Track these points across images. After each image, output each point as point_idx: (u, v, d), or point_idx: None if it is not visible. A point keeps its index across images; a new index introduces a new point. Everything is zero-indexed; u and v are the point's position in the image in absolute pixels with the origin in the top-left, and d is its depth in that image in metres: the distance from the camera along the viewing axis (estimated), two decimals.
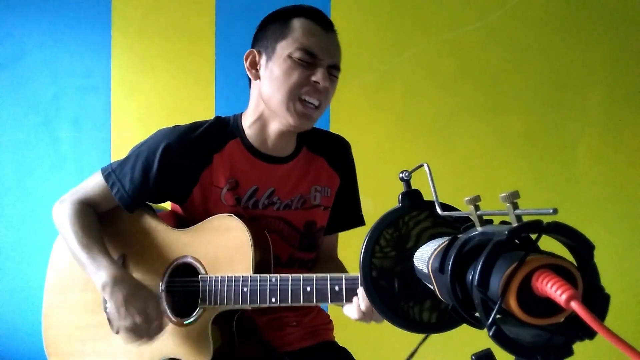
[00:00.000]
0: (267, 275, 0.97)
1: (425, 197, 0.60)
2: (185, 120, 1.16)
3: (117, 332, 0.99)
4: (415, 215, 0.59)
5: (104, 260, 1.00)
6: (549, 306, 0.34)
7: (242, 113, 1.13)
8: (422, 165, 0.59)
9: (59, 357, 1.14)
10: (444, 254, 0.43)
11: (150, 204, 1.17)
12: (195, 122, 1.09)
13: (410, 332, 0.57)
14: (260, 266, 1.00)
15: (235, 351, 1.05)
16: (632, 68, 1.92)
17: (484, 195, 0.46)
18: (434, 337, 0.58)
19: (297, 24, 1.01)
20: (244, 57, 1.07)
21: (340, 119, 1.96)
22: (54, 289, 1.18)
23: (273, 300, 0.95)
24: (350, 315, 0.89)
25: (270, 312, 1.12)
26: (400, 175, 0.62)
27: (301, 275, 0.94)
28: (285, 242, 1.11)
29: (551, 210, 0.35)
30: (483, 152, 1.95)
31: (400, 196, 0.60)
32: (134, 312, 0.95)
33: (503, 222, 0.43)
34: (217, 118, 1.12)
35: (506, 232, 0.36)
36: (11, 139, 2.05)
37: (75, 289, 1.15)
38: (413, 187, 0.60)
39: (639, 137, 1.92)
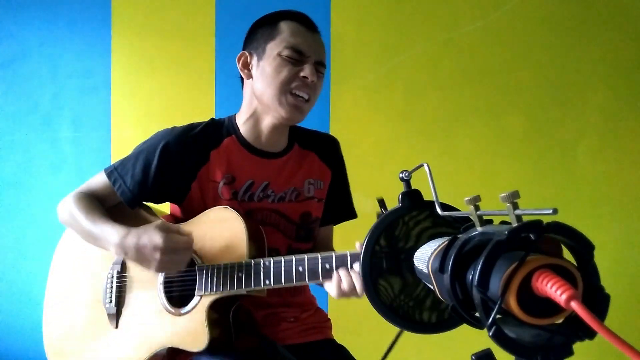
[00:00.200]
0: (261, 259, 1.01)
1: (425, 197, 0.60)
2: (185, 120, 1.18)
3: (157, 271, 1.01)
4: (415, 215, 0.59)
5: (110, 229, 1.04)
6: (549, 306, 0.35)
7: (235, 114, 1.19)
8: (422, 165, 0.59)
9: (60, 356, 1.15)
10: (444, 254, 0.43)
11: (149, 206, 1.19)
12: (191, 123, 1.15)
13: (410, 332, 0.57)
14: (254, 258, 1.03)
15: (232, 343, 1.07)
16: (632, 68, 1.92)
17: (484, 195, 0.46)
18: (434, 337, 0.58)
19: (284, 26, 1.09)
20: (237, 58, 1.14)
21: (340, 119, 1.96)
22: (55, 289, 1.20)
23: (267, 282, 0.99)
24: (331, 292, 0.95)
25: (267, 306, 1.14)
26: (400, 175, 0.62)
27: (293, 257, 0.99)
28: (282, 234, 1.15)
29: (551, 210, 0.35)
30: (483, 152, 1.95)
31: (400, 196, 0.60)
32: (159, 248, 0.96)
33: (503, 222, 0.43)
34: (212, 119, 1.18)
35: (506, 232, 0.36)
36: (11, 139, 2.05)
37: (76, 286, 1.16)
38: (413, 187, 0.61)
39: (639, 137, 1.92)
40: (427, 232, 0.59)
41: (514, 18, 1.93)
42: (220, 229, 1.06)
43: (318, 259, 0.97)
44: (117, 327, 1.11)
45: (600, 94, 1.93)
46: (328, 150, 1.24)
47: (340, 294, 0.93)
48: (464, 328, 0.48)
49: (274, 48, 1.07)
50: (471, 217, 0.45)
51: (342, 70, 1.97)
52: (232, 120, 1.17)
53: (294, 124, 1.14)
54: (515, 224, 0.37)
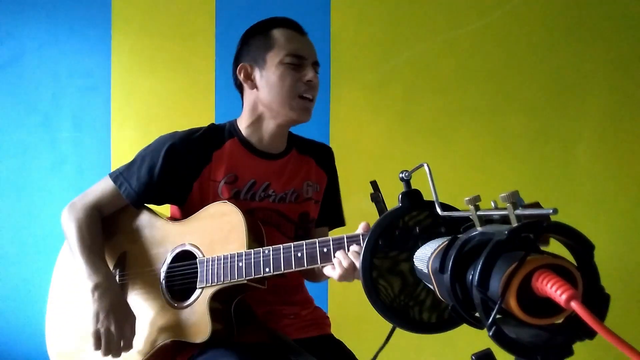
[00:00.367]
0: (260, 249, 1.03)
1: (425, 197, 0.60)
2: (185, 120, 1.20)
3: (92, 335, 1.05)
4: (415, 215, 0.59)
5: (102, 267, 1.10)
6: (549, 306, 0.35)
7: (236, 119, 1.23)
8: (422, 165, 0.59)
9: (62, 356, 1.16)
10: (444, 254, 0.43)
11: (151, 208, 1.21)
12: (192, 128, 1.20)
13: (411, 332, 0.57)
14: None
15: (234, 337, 1.08)
16: (632, 68, 1.92)
17: (484, 195, 0.46)
18: (434, 337, 0.58)
19: (277, 34, 1.15)
20: (237, 71, 1.19)
21: (340, 119, 1.96)
22: (58, 288, 1.21)
23: (267, 270, 1.01)
24: (332, 274, 0.97)
25: (267, 303, 1.16)
26: (400, 175, 0.62)
27: (291, 244, 1.02)
28: (282, 234, 1.18)
29: (551, 210, 0.35)
30: (483, 152, 1.95)
31: (400, 196, 0.60)
32: (112, 322, 1.04)
33: (503, 222, 0.43)
34: (213, 124, 1.23)
35: (506, 232, 0.36)
36: (11, 139, 2.05)
37: (78, 289, 1.17)
38: (413, 187, 0.60)
39: (639, 137, 1.92)
40: (427, 232, 0.59)
41: (514, 18, 1.93)
42: (219, 222, 1.08)
43: (316, 243, 1.00)
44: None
45: (600, 94, 1.93)
46: (324, 157, 1.30)
47: (341, 275, 0.96)
48: (464, 328, 0.48)
49: (274, 57, 1.13)
50: (471, 217, 0.45)
51: (342, 71, 1.97)
52: (233, 124, 1.22)
53: (302, 123, 1.19)
54: (515, 224, 0.37)
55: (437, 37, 1.95)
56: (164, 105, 2.02)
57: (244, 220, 1.05)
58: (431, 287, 0.48)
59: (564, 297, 0.32)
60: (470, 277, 0.39)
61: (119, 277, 1.15)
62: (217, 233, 1.08)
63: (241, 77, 1.18)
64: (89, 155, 2.02)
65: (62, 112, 2.04)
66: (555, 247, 0.42)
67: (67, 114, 2.04)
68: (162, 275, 1.11)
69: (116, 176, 1.17)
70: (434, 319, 0.57)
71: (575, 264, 0.37)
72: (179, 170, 1.13)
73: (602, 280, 0.37)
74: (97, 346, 1.04)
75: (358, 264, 0.94)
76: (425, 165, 0.59)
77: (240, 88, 1.22)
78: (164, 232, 1.15)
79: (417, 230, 0.59)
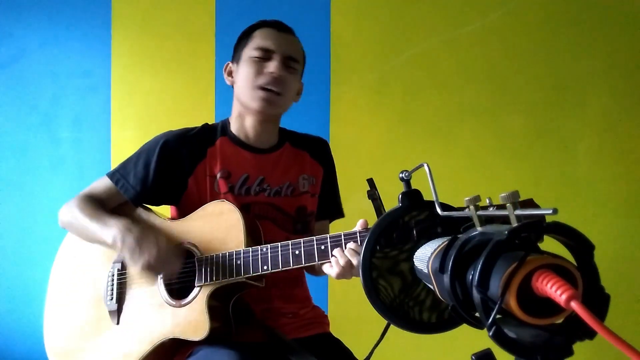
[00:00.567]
0: (258, 247, 1.04)
1: (425, 197, 0.60)
2: (185, 120, 1.21)
3: (139, 271, 1.06)
4: (415, 215, 0.59)
5: (111, 220, 1.09)
6: (549, 306, 0.35)
7: (228, 118, 1.26)
8: (422, 165, 0.59)
9: (61, 356, 1.16)
10: (444, 254, 0.43)
11: (149, 207, 1.21)
12: (186, 127, 1.22)
13: (411, 332, 0.57)
14: None
15: (233, 335, 1.09)
16: (632, 68, 1.92)
17: (484, 195, 0.46)
18: (434, 337, 0.58)
19: (257, 33, 1.19)
20: (223, 69, 1.25)
21: (340, 119, 1.96)
22: (56, 288, 1.21)
23: (265, 267, 1.02)
24: (330, 272, 0.99)
25: (266, 301, 1.16)
26: (400, 175, 0.62)
27: (289, 242, 1.03)
28: (279, 228, 1.19)
29: (551, 210, 0.35)
30: (483, 152, 1.95)
31: (400, 196, 0.60)
32: (147, 249, 1.03)
33: (503, 222, 0.43)
34: (206, 124, 1.25)
35: (506, 232, 0.36)
36: (11, 139, 2.05)
37: (77, 286, 1.18)
38: (413, 187, 0.60)
39: (639, 137, 1.92)
40: (427, 232, 0.59)
41: (514, 18, 1.93)
42: (217, 221, 1.09)
43: (313, 241, 1.01)
44: (118, 323, 1.13)
45: (600, 94, 1.93)
46: (319, 150, 1.30)
47: (339, 271, 0.97)
48: (464, 328, 0.48)
49: (247, 53, 1.17)
50: (471, 217, 0.45)
51: (342, 71, 1.97)
52: (224, 122, 1.25)
53: (271, 117, 1.20)
54: (515, 224, 0.37)
55: (437, 37, 1.95)
56: (164, 105, 2.02)
57: (242, 219, 1.06)
58: (431, 287, 0.48)
59: (564, 297, 0.32)
60: (470, 277, 0.39)
61: (119, 276, 1.15)
62: (215, 232, 1.09)
63: (225, 74, 1.24)
64: (89, 155, 2.02)
65: (62, 112, 2.04)
66: (555, 247, 0.42)
67: (67, 114, 2.04)
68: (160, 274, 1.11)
69: (112, 173, 1.18)
70: (434, 319, 0.57)
71: (575, 264, 0.37)
72: (174, 165, 1.15)
73: (602, 280, 0.37)
74: (153, 274, 1.07)
75: (355, 261, 0.95)
76: (425, 165, 0.59)
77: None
78: (162, 231, 1.15)
79: (417, 230, 0.59)
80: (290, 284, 1.21)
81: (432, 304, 0.57)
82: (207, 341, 1.03)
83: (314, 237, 1.01)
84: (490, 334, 0.36)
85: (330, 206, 1.32)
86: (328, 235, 1.00)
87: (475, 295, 0.37)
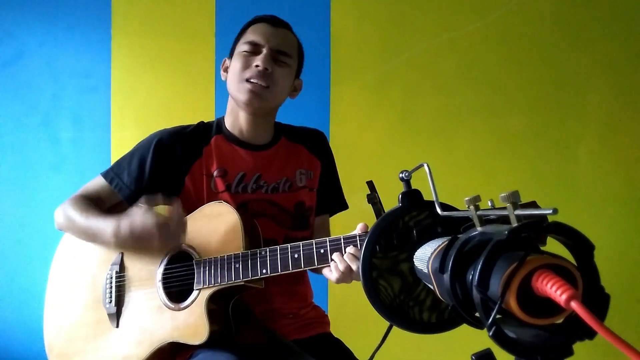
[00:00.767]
0: (257, 250, 1.03)
1: (425, 197, 0.60)
2: (185, 120, 1.21)
3: (159, 247, 1.05)
4: (415, 215, 0.59)
5: (109, 218, 1.08)
6: (549, 306, 0.35)
7: (223, 116, 1.25)
8: (422, 165, 0.59)
9: (62, 358, 1.15)
10: (444, 254, 0.43)
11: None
12: (182, 125, 1.22)
13: (411, 332, 0.57)
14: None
15: (233, 337, 1.08)
16: (632, 68, 1.92)
17: (484, 195, 0.46)
18: (434, 337, 0.58)
19: (250, 28, 1.19)
20: (221, 65, 1.25)
21: (340, 119, 1.96)
22: (55, 291, 1.20)
23: (264, 271, 1.01)
24: (330, 277, 0.99)
25: (266, 301, 1.15)
26: (400, 175, 0.62)
27: (288, 245, 1.02)
28: (278, 224, 1.18)
29: (551, 210, 0.35)
30: (483, 152, 1.95)
31: (400, 196, 0.60)
32: (148, 224, 1.01)
33: (503, 222, 0.43)
34: (202, 122, 1.25)
35: (506, 232, 0.36)
36: (11, 139, 2.05)
37: (75, 288, 1.17)
38: (413, 187, 0.60)
39: (639, 137, 1.92)
40: (427, 232, 0.59)
41: (514, 18, 1.93)
42: (215, 223, 1.08)
43: (312, 244, 1.00)
44: (117, 326, 1.11)
45: (600, 94, 1.93)
46: (316, 142, 1.29)
47: (338, 277, 0.96)
48: (464, 328, 0.48)
49: (238, 47, 1.18)
50: (471, 217, 0.45)
51: (342, 70, 1.96)
52: (219, 120, 1.24)
53: (259, 110, 1.18)
54: (515, 224, 0.37)
55: (437, 37, 1.95)
56: (164, 105, 2.02)
57: (240, 221, 1.05)
58: (431, 287, 0.48)
59: (564, 297, 0.32)
60: (470, 277, 0.39)
61: (117, 279, 1.14)
62: (213, 234, 1.08)
63: (222, 70, 1.24)
64: (89, 155, 2.02)
65: (62, 112, 2.04)
66: (555, 247, 0.42)
67: (67, 114, 2.04)
68: (159, 276, 1.10)
69: (107, 172, 1.18)
70: (434, 319, 0.57)
71: (575, 264, 0.37)
72: (169, 163, 1.15)
73: (602, 280, 0.37)
74: (171, 241, 1.05)
75: (355, 266, 0.94)
76: (425, 165, 0.59)
77: None
78: None
79: (417, 230, 0.59)
80: (292, 281, 1.20)
81: (432, 304, 0.57)
82: (207, 344, 1.02)
83: (313, 241, 1.01)
84: (490, 334, 0.36)
85: (330, 201, 1.31)
86: (327, 239, 0.99)
87: (475, 295, 0.37)
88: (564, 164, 1.93)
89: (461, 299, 0.41)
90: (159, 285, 1.10)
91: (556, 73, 1.93)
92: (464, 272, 0.40)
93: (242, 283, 1.03)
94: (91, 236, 1.11)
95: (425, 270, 0.49)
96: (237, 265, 1.03)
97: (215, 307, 1.06)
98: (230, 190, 1.15)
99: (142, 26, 2.02)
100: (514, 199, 0.38)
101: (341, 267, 0.95)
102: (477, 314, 0.40)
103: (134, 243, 1.04)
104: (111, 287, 1.13)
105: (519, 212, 0.38)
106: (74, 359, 1.13)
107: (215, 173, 1.16)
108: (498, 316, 0.35)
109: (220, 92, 1.98)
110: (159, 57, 2.02)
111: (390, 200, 0.62)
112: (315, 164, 1.26)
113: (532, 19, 1.94)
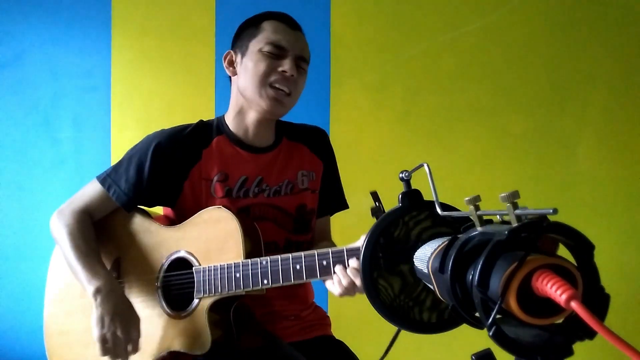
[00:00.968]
0: (258, 259, 1.00)
1: (425, 197, 0.60)
2: (184, 120, 1.19)
3: (96, 341, 1.00)
4: (415, 215, 0.59)
5: (101, 270, 1.05)
6: (549, 306, 0.34)
7: (224, 114, 1.21)
8: (422, 165, 0.59)
9: None
10: (444, 254, 0.43)
11: (143, 208, 1.18)
12: (181, 125, 1.17)
13: (411, 332, 0.57)
14: (251, 257, 1.02)
15: (235, 343, 1.06)
16: (632, 68, 1.92)
17: (484, 195, 0.46)
18: (434, 337, 0.58)
19: (267, 25, 1.13)
20: (223, 57, 1.17)
21: (340, 119, 1.96)
22: (54, 296, 1.18)
23: (265, 282, 0.99)
24: (333, 291, 0.96)
25: (266, 304, 1.13)
26: (400, 175, 0.62)
27: (289, 255, 0.98)
28: (280, 228, 1.15)
29: (551, 210, 0.35)
30: (483, 153, 1.95)
31: (400, 196, 0.60)
32: (117, 325, 0.99)
33: (503, 222, 0.43)
34: (201, 121, 1.20)
35: (506, 232, 0.36)
36: (11, 139, 2.05)
37: (75, 294, 1.14)
38: (413, 187, 0.60)
39: (639, 137, 1.92)
40: (427, 232, 0.59)
41: (514, 18, 1.93)
42: (214, 229, 1.05)
43: (315, 256, 0.97)
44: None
45: (600, 94, 1.93)
46: (317, 141, 1.26)
47: (342, 292, 0.94)
48: (464, 328, 0.48)
49: (256, 45, 1.11)
50: (471, 217, 0.45)
51: (342, 70, 1.97)
52: (220, 120, 1.19)
53: (277, 117, 1.16)
54: (515, 224, 0.37)
55: (437, 37, 1.95)
56: (164, 105, 2.02)
57: (239, 228, 1.02)
58: (431, 287, 0.48)
59: (564, 297, 0.32)
60: (470, 277, 0.39)
61: None
62: (212, 241, 1.05)
63: (225, 63, 1.17)
64: (89, 155, 2.02)
65: (62, 112, 2.04)
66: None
67: (67, 114, 2.04)
68: (159, 283, 1.08)
69: (104, 179, 1.13)
70: (434, 319, 0.57)
71: (575, 264, 0.37)
72: (169, 169, 1.10)
73: (602, 280, 0.37)
74: (105, 352, 0.99)
75: (358, 282, 0.91)
76: (425, 165, 0.59)
77: (230, 80, 1.21)
78: (158, 238, 1.11)
79: (417, 230, 0.59)
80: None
81: (432, 304, 0.57)
82: (208, 352, 1.00)
83: (316, 252, 0.97)
84: (490, 334, 0.36)
85: (332, 201, 1.29)
86: (330, 250, 0.96)
87: (475, 295, 0.37)
88: (564, 164, 1.93)
89: (461, 299, 0.41)
90: (159, 292, 1.08)
91: (556, 73, 1.93)
92: (464, 272, 0.40)
93: (243, 293, 1.01)
94: (73, 270, 1.07)
95: (425, 270, 0.49)
96: (237, 275, 1.00)
97: (217, 315, 1.04)
98: (231, 195, 1.12)
99: (142, 26, 2.02)
100: (514, 199, 0.38)
101: (344, 282, 0.92)
102: (477, 314, 0.40)
103: (100, 308, 1.00)
104: None
105: (519, 212, 0.38)
106: None
107: (215, 178, 1.12)
108: (498, 316, 0.35)
109: (221, 92, 1.98)
110: (159, 57, 2.02)
111: (391, 201, 0.62)
112: (317, 164, 1.24)
113: (532, 19, 1.94)
